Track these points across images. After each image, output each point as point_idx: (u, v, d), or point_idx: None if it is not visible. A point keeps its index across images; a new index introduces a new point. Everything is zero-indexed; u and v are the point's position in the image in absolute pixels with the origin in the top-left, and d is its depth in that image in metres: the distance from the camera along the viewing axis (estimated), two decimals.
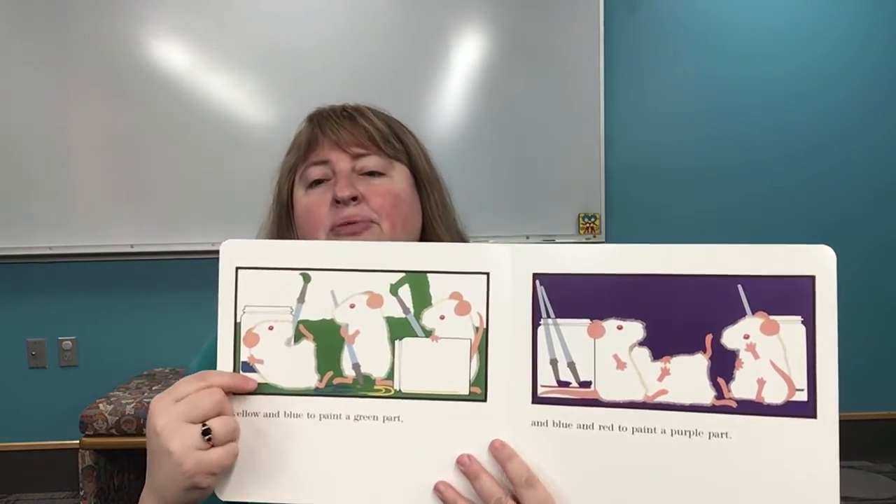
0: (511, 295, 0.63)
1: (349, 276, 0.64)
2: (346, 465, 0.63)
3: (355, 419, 0.63)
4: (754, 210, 2.88)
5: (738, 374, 0.58)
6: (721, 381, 0.58)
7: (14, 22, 2.57)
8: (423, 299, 0.64)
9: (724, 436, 0.58)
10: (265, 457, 0.63)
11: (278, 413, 0.63)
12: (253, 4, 2.64)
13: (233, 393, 0.63)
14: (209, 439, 0.58)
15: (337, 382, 0.63)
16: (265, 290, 0.65)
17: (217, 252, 0.65)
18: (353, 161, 0.83)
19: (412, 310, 0.64)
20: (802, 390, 0.57)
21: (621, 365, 0.60)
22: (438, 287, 0.64)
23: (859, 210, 2.91)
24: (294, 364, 0.64)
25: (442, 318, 0.63)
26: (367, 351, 0.64)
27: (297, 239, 0.85)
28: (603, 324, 0.61)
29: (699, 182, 2.87)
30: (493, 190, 2.70)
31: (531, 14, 2.71)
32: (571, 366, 0.61)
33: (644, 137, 2.85)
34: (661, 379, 0.59)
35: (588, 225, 2.75)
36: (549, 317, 0.62)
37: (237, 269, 0.65)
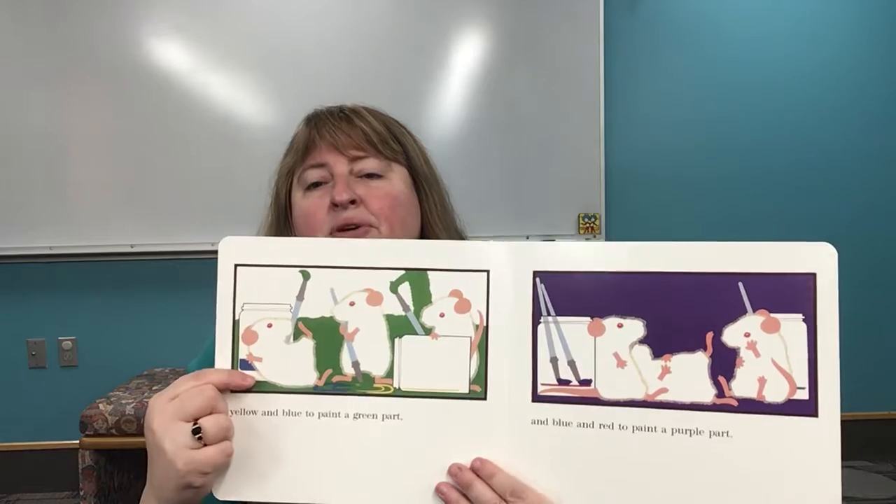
0: (511, 293, 0.62)
1: (349, 273, 0.64)
2: (345, 464, 0.62)
3: (354, 417, 0.63)
4: (755, 209, 2.88)
5: (738, 372, 0.58)
6: (722, 379, 0.58)
7: (14, 22, 2.57)
8: (423, 297, 0.63)
9: (724, 434, 0.58)
10: (263, 456, 0.62)
11: (277, 411, 0.63)
12: (253, 4, 2.64)
13: (231, 391, 0.62)
14: (200, 438, 0.58)
15: (336, 380, 0.63)
16: (264, 287, 0.64)
17: (217, 252, 0.65)
18: (351, 164, 0.82)
19: (412, 307, 0.63)
20: (804, 388, 0.57)
21: (622, 363, 0.60)
22: (438, 285, 0.63)
23: (860, 210, 2.90)
24: (293, 362, 0.63)
25: (442, 315, 0.63)
26: (367, 349, 0.63)
27: None
28: (603, 322, 0.61)
29: (699, 182, 2.87)
30: (493, 190, 2.70)
31: (531, 14, 2.70)
32: (572, 364, 0.61)
33: (644, 137, 2.85)
34: (661, 377, 0.59)
35: (588, 225, 2.75)
36: (549, 315, 0.61)
37: (236, 266, 0.65)
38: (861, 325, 2.84)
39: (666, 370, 0.59)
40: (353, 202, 0.79)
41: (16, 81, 2.58)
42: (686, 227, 2.85)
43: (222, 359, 0.64)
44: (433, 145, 0.94)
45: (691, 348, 0.59)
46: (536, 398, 0.61)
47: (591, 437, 0.60)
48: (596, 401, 0.60)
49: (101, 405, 2.17)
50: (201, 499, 0.61)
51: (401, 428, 0.62)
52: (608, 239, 2.78)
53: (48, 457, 2.68)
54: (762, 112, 2.87)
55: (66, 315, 2.71)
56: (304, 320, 0.64)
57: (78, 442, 2.16)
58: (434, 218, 0.87)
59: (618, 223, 2.82)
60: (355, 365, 0.63)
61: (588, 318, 0.61)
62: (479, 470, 0.60)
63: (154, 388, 2.38)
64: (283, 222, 0.87)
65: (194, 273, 2.63)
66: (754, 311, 0.58)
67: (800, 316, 0.57)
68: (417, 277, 0.64)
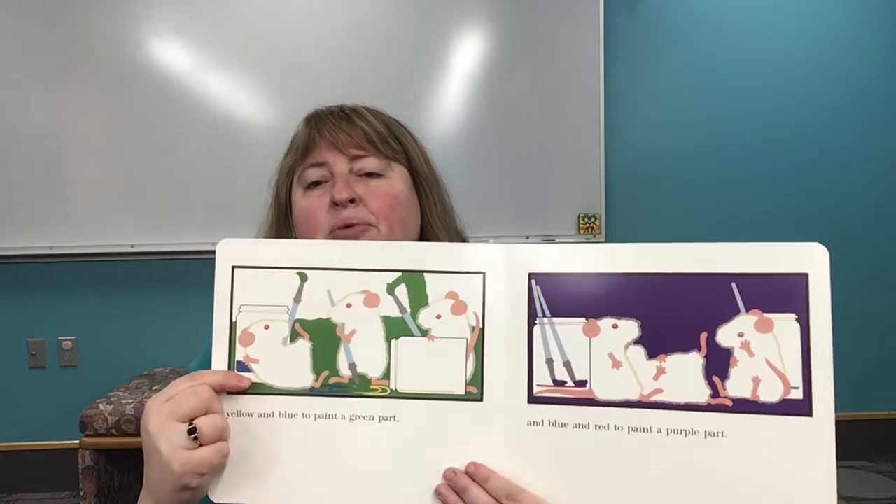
0: (507, 294, 0.63)
1: (346, 275, 0.64)
2: (341, 466, 0.62)
3: (351, 419, 0.63)
4: (755, 209, 2.87)
5: (733, 372, 0.58)
6: (716, 379, 0.58)
7: (14, 22, 2.57)
8: (419, 299, 0.64)
9: (719, 434, 0.58)
10: (259, 457, 0.62)
11: (273, 413, 0.63)
12: (253, 4, 2.64)
13: (227, 392, 0.62)
14: (195, 438, 0.58)
15: (333, 382, 0.63)
16: (261, 289, 0.64)
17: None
18: (351, 163, 0.82)
19: (408, 309, 0.64)
20: (798, 388, 0.57)
21: (617, 364, 0.60)
22: (435, 287, 0.64)
23: (861, 211, 2.90)
24: (290, 364, 0.64)
25: (438, 317, 0.63)
26: (364, 350, 0.63)
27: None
28: (598, 323, 0.61)
29: (699, 182, 2.87)
30: (493, 190, 2.70)
31: (531, 14, 2.70)
32: (567, 365, 0.61)
33: (644, 137, 2.85)
34: (656, 378, 0.59)
35: (588, 225, 2.75)
36: (544, 316, 0.62)
37: (233, 267, 0.65)
38: (862, 325, 2.85)
39: (661, 371, 0.59)
40: (352, 201, 0.80)
41: (16, 81, 2.58)
42: (686, 227, 2.85)
43: (219, 360, 0.64)
44: (433, 145, 0.94)
45: (686, 348, 0.59)
46: (532, 399, 0.61)
47: (586, 438, 0.60)
48: (591, 402, 0.60)
49: (100, 405, 2.18)
50: (198, 500, 0.61)
51: (397, 429, 0.62)
52: (608, 239, 2.78)
53: (48, 457, 2.69)
54: (762, 112, 2.87)
55: (65, 315, 2.72)
56: (301, 322, 0.64)
57: (78, 442, 2.17)
58: (434, 218, 0.87)
59: (618, 223, 2.82)
60: (352, 367, 0.63)
61: (583, 319, 0.61)
62: (475, 474, 0.60)
63: (154, 388, 2.38)
64: (283, 222, 0.87)
65: (194, 273, 2.63)
66: (747, 311, 0.58)
67: (793, 316, 0.57)
68: (414, 279, 0.64)
